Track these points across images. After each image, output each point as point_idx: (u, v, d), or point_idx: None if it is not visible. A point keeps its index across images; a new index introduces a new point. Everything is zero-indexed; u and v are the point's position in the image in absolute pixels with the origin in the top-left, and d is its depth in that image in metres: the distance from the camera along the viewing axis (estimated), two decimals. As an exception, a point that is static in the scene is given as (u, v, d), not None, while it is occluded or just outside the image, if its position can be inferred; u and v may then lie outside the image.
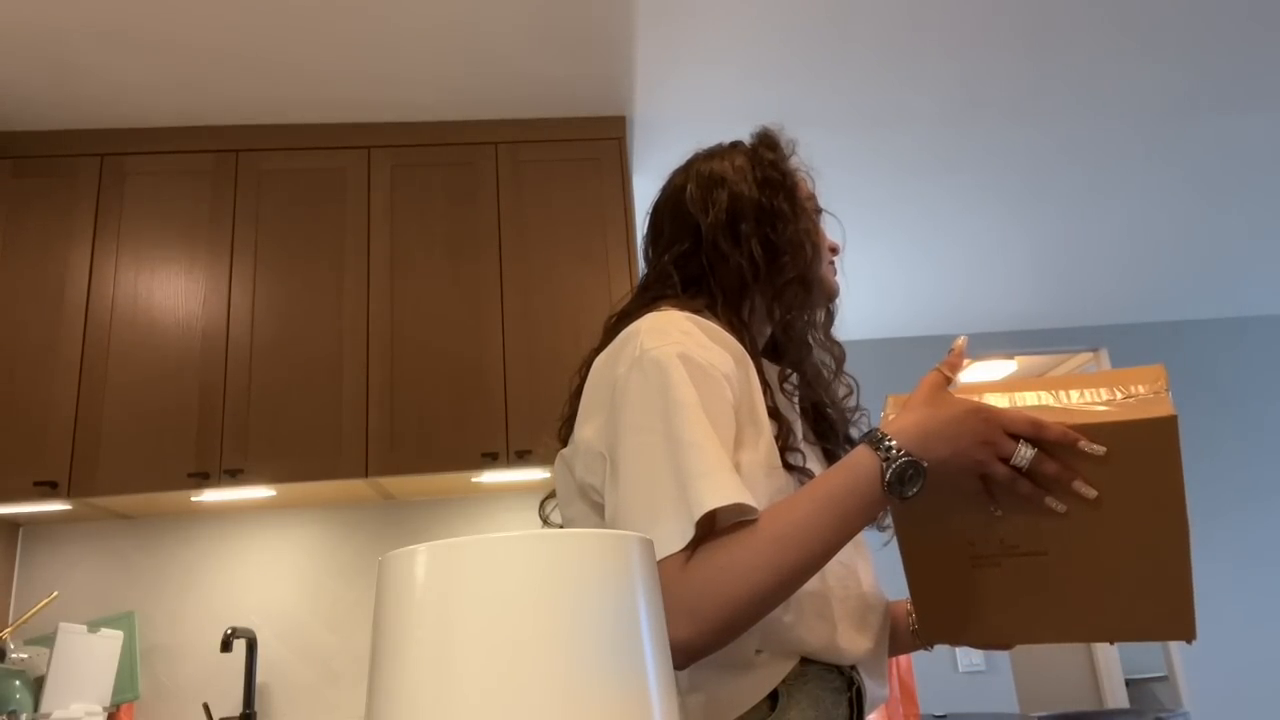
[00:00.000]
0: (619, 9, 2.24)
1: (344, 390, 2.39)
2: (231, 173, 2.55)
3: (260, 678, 2.50)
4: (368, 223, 2.54)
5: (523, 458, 2.36)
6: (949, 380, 0.86)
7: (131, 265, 2.45)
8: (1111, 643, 0.91)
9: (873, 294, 4.02)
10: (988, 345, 4.57)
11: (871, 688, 0.97)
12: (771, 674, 0.88)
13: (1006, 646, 0.97)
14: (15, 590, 2.54)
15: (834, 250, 1.10)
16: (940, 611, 0.96)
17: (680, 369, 0.85)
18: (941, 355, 4.78)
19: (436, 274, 2.51)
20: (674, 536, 0.78)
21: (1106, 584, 0.87)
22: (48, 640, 2.23)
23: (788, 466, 0.90)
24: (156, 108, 2.50)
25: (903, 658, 3.05)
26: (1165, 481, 0.81)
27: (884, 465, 0.82)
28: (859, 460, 0.83)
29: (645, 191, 2.86)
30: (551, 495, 1.05)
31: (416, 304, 2.48)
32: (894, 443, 0.82)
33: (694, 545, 0.78)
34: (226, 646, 2.26)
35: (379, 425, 2.37)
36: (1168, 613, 0.86)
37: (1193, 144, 3.02)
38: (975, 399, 0.86)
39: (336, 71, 2.41)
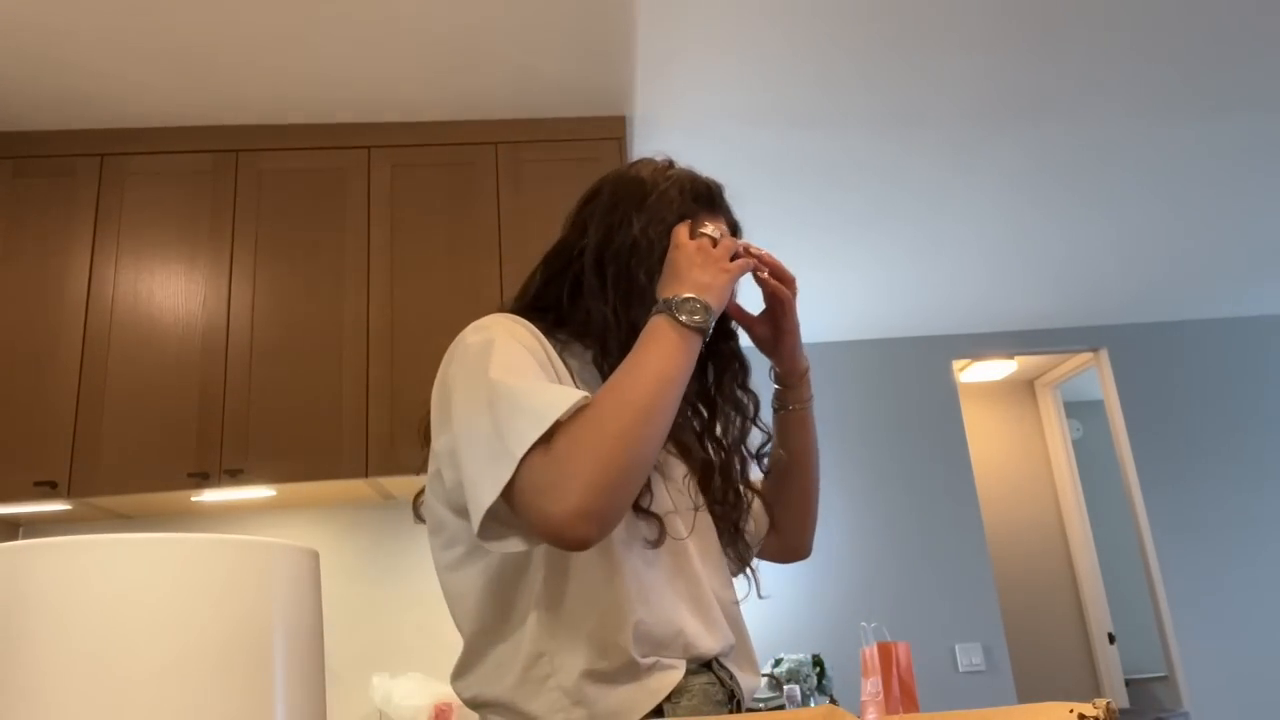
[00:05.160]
0: (619, 8, 2.24)
1: (344, 390, 2.39)
2: (231, 173, 2.55)
3: (260, 678, 2.50)
4: (368, 223, 2.54)
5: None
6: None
7: (131, 265, 2.45)
8: None
9: (874, 294, 4.02)
10: (988, 345, 4.56)
11: (745, 680, 1.01)
12: (655, 686, 0.90)
13: None
14: (15, 590, 2.54)
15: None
16: None
17: (496, 344, 0.91)
18: (941, 355, 4.70)
19: (436, 274, 2.51)
20: (527, 431, 0.82)
21: None
22: (48, 640, 2.24)
23: None
24: (156, 108, 2.50)
25: (902, 657, 3.03)
26: None
27: (665, 311, 0.92)
28: (649, 321, 0.94)
29: (645, 191, 2.85)
30: (422, 492, 1.10)
31: (416, 304, 2.48)
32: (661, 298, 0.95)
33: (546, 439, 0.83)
34: (226, 646, 2.26)
35: (379, 425, 2.37)
36: None
37: (1193, 144, 3.01)
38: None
39: (336, 71, 2.41)
